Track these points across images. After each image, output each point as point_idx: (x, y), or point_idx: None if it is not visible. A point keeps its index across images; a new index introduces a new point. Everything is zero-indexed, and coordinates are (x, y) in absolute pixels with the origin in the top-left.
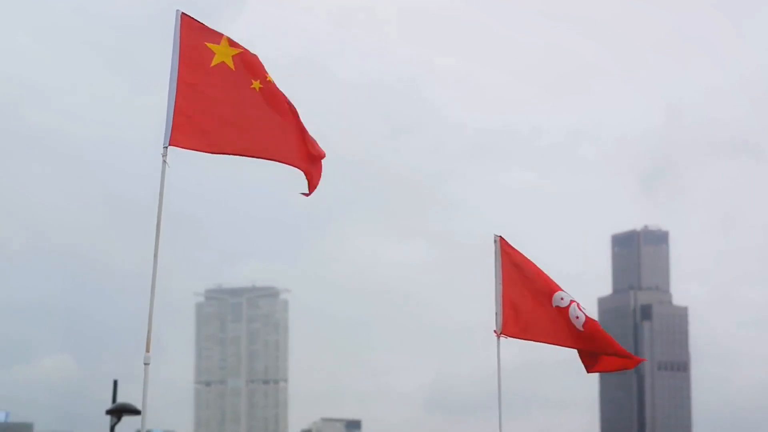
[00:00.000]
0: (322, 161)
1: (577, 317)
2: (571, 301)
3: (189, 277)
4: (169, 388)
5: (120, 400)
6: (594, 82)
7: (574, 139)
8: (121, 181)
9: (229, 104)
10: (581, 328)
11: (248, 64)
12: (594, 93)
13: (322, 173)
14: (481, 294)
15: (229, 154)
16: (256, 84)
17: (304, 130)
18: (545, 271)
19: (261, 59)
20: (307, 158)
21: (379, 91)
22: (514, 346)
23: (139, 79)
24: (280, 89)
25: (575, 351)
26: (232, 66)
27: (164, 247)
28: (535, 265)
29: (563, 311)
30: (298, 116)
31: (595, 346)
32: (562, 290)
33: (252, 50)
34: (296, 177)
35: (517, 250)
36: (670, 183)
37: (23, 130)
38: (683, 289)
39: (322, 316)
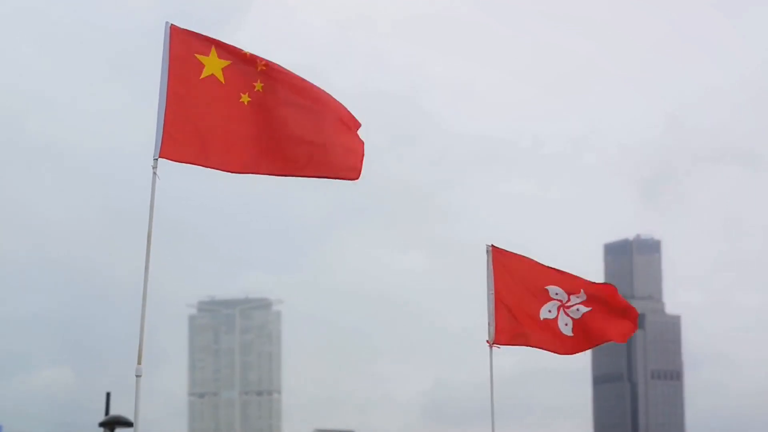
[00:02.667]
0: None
1: (566, 324)
2: (559, 309)
3: (185, 288)
4: (163, 400)
5: (115, 411)
6: (594, 82)
7: (574, 147)
8: (122, 193)
9: (218, 118)
10: (570, 334)
11: (238, 75)
12: (594, 93)
13: (361, 154)
14: (480, 301)
15: (219, 169)
16: (245, 98)
17: (320, 119)
18: (543, 265)
19: (256, 57)
20: (324, 155)
21: (378, 100)
22: (511, 354)
23: (140, 91)
24: (281, 89)
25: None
26: (221, 79)
27: (161, 258)
28: (529, 267)
29: (552, 323)
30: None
31: (587, 345)
32: (552, 299)
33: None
34: (293, 184)
35: (512, 255)
36: (670, 190)
37: (25, 142)
38: (676, 298)
39: (320, 324)
